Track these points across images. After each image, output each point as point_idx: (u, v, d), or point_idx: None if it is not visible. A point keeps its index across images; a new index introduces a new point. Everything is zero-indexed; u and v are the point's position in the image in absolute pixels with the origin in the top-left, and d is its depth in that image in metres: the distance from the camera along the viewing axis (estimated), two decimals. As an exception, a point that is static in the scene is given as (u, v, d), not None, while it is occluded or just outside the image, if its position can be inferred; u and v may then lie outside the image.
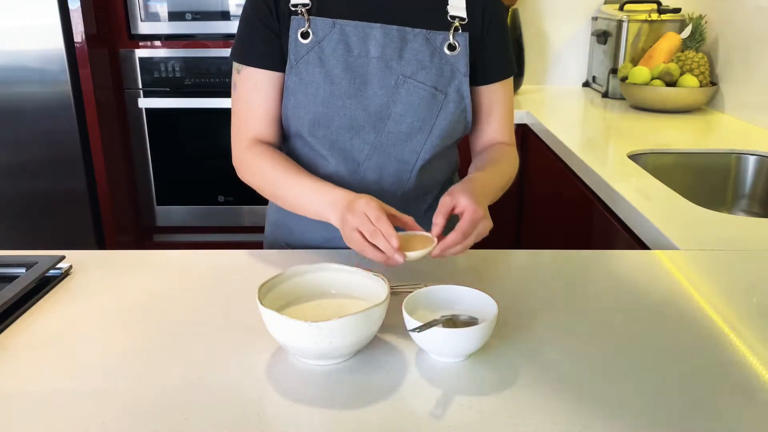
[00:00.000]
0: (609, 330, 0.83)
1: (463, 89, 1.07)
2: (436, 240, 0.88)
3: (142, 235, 2.74)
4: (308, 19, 1.03)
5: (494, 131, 1.16)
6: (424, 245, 0.87)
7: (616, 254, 1.09)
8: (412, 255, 0.86)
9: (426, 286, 0.83)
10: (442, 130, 1.08)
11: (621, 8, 2.43)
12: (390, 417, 0.66)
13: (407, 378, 0.72)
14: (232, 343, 0.80)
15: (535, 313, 0.87)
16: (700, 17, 2.25)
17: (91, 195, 2.47)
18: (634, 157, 1.64)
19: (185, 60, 2.50)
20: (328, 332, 0.70)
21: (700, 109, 2.20)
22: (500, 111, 1.15)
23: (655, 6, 2.40)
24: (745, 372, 0.74)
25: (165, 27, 2.48)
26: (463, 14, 1.06)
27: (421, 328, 0.73)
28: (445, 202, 0.91)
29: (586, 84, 2.75)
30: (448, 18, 1.06)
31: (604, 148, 1.83)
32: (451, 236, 0.88)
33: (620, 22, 2.39)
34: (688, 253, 1.06)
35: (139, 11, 2.45)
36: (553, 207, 1.98)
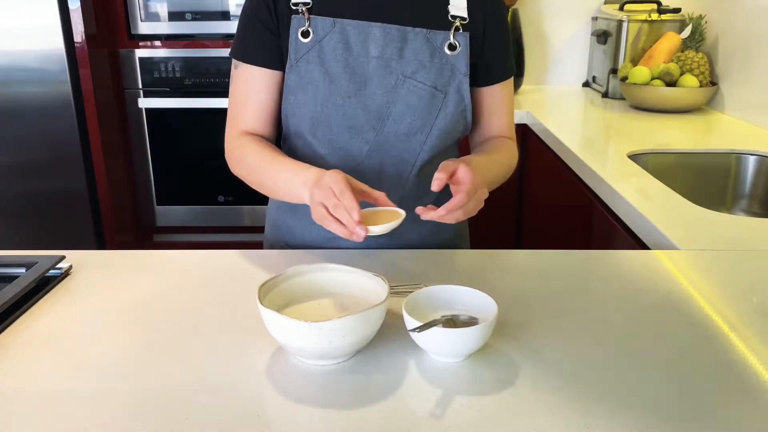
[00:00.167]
0: (609, 330, 0.83)
1: (463, 89, 1.07)
2: (404, 214, 0.87)
3: (142, 235, 2.74)
4: (309, 18, 1.03)
5: (495, 131, 1.16)
6: (390, 220, 0.86)
7: (616, 254, 1.09)
8: (375, 229, 0.84)
9: (426, 286, 0.83)
10: (441, 130, 1.08)
11: (621, 8, 2.43)
12: (390, 417, 0.66)
13: (407, 378, 0.72)
14: (232, 343, 0.80)
15: (535, 313, 0.87)
16: (700, 17, 2.24)
17: (91, 195, 2.47)
18: (634, 157, 1.64)
19: (185, 60, 2.50)
20: (328, 332, 0.70)
21: (700, 109, 2.20)
22: (501, 111, 1.15)
23: (655, 6, 2.40)
24: (745, 372, 0.74)
25: (165, 27, 2.48)
26: (464, 14, 1.06)
27: (421, 328, 0.73)
28: (447, 164, 0.91)
29: (586, 84, 2.75)
30: (449, 17, 1.06)
31: (604, 148, 1.83)
32: (457, 198, 0.87)
33: (620, 22, 2.39)
34: (688, 253, 1.06)
35: (139, 11, 2.45)
36: (553, 207, 1.98)
